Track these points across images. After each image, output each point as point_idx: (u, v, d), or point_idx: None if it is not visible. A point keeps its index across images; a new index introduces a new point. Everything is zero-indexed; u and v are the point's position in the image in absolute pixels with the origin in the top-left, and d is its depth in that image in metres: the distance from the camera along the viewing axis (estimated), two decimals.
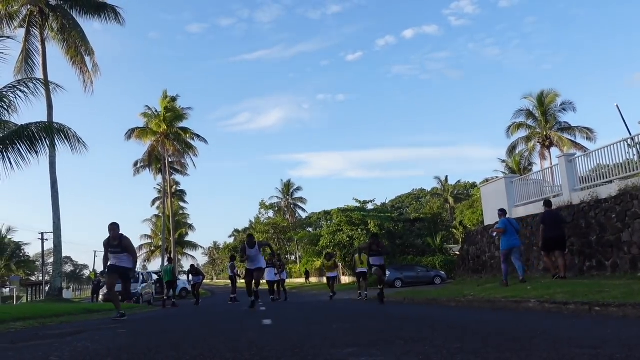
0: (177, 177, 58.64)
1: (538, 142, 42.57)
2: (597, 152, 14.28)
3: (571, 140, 41.10)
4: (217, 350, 4.56)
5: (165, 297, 20.92)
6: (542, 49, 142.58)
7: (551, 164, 34.15)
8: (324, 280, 52.31)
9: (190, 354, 4.32)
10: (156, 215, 66.55)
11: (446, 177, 72.88)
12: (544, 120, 41.91)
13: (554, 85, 72.48)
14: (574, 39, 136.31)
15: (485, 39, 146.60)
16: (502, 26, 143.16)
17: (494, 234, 15.47)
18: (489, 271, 17.89)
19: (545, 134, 41.74)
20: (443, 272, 35.05)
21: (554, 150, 40.85)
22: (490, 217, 19.65)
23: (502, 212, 14.32)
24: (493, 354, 3.60)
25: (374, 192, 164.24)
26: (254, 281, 12.83)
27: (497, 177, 31.40)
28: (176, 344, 5.29)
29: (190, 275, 23.52)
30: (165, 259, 22.05)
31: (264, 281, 18.13)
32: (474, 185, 67.42)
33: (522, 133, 43.55)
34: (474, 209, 45.37)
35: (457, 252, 31.57)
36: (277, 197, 79.33)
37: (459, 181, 76.46)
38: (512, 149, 44.76)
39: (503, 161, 47.43)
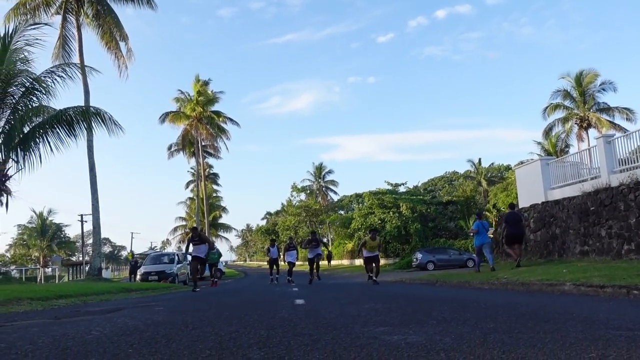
0: (210, 160, 59.40)
1: (575, 124, 41.46)
2: (637, 132, 13.85)
3: (610, 121, 39.90)
4: (252, 327, 4.65)
5: (214, 279, 22.23)
6: (579, 28, 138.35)
7: (589, 145, 33.21)
8: (357, 262, 52.50)
9: (225, 330, 4.43)
10: (190, 198, 67.65)
11: (479, 159, 71.61)
12: (582, 101, 40.75)
13: (591, 65, 70.09)
14: (612, 16, 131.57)
15: (520, 18, 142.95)
16: (538, 5, 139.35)
17: (471, 233, 18.92)
18: (524, 254, 17.63)
19: (583, 115, 40.61)
20: (475, 255, 34.68)
21: (592, 132, 39.76)
22: (526, 200, 19.33)
23: (477, 216, 18.43)
24: (527, 334, 3.58)
25: (405, 175, 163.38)
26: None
27: (532, 159, 30.75)
28: (211, 321, 5.42)
29: (191, 246, 18.57)
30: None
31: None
32: (508, 168, 66.19)
33: (559, 114, 42.48)
34: (508, 191, 44.62)
35: (491, 235, 31.21)
36: (308, 180, 79.53)
37: (492, 164, 75.11)
38: (548, 131, 43.72)
39: (539, 143, 46.40)
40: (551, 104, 42.29)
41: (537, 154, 43.56)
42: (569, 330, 3.71)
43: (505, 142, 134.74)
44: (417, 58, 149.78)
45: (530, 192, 19.07)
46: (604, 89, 40.65)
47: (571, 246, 15.18)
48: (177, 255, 29.69)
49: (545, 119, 43.16)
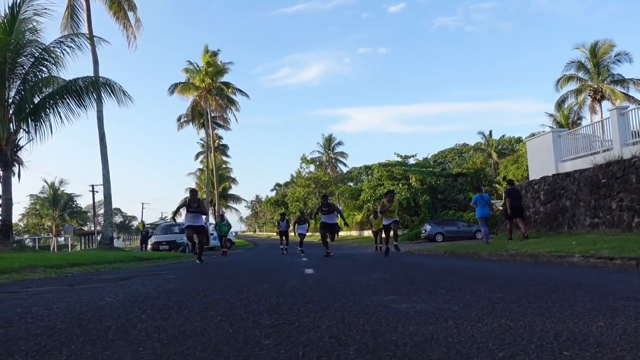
0: (220, 131, 59.37)
1: (589, 95, 40.90)
2: None
3: (624, 93, 39.32)
4: (262, 295, 4.71)
5: (224, 249, 23.23)
6: None
7: (602, 117, 32.82)
8: (365, 233, 52.71)
9: (236, 298, 4.49)
10: (200, 169, 67.91)
11: (490, 131, 71.05)
12: (596, 73, 40.11)
13: (607, 36, 68.67)
14: None
15: None
16: None
17: (473, 206, 18.24)
18: (532, 226, 17.61)
19: (596, 86, 40.02)
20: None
21: (605, 104, 39.23)
22: (536, 172, 19.21)
23: (477, 189, 19.18)
24: (535, 303, 3.60)
25: (415, 147, 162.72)
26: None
27: (543, 131, 30.45)
28: (222, 288, 5.49)
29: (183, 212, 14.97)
30: (218, 216, 23.52)
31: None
32: (519, 140, 65.67)
33: (572, 86, 41.92)
34: (518, 164, 44.38)
35: (500, 208, 31.10)
36: (318, 151, 79.40)
37: (503, 136, 74.51)
38: (560, 103, 43.20)
39: (551, 115, 45.91)
40: (564, 75, 41.68)
41: (549, 126, 43.14)
42: (577, 300, 3.72)
43: (517, 114, 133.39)
44: (428, 29, 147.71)
45: (541, 165, 18.94)
46: (619, 60, 39.97)
47: (581, 218, 15.14)
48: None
49: (558, 91, 42.66)
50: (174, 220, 15.50)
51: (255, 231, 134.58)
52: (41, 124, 19.60)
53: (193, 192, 14.05)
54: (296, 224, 22.41)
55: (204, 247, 14.31)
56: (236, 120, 54.57)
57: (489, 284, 5.11)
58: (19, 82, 19.86)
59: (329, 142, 78.80)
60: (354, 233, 57.50)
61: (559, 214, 16.51)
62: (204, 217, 14.46)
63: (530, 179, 19.76)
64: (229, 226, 25.14)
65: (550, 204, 17.21)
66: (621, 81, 39.98)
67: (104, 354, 2.34)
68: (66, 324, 3.30)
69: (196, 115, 50.73)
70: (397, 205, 15.05)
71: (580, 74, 41.16)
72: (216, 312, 3.60)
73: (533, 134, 31.89)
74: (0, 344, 2.67)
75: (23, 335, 2.89)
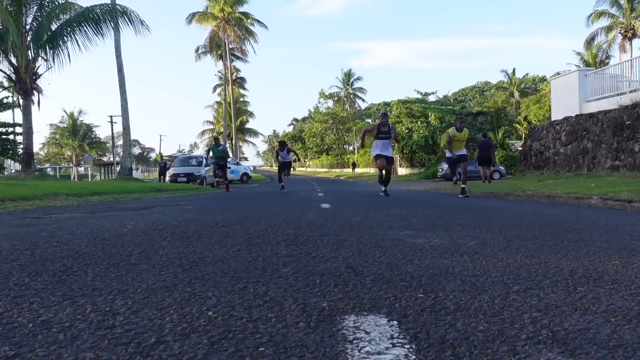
0: (238, 64, 58.72)
1: (620, 33, 39.36)
2: None
3: None
4: (279, 226, 4.79)
5: (216, 180, 21.39)
6: None
7: (631, 56, 31.67)
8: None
9: (254, 229, 4.57)
10: (217, 102, 67.74)
11: (514, 69, 69.48)
12: (630, 8, 38.41)
13: None
14: None
15: None
16: None
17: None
18: (551, 168, 17.48)
19: (628, 23, 38.40)
20: (502, 168, 34.44)
21: (637, 42, 37.87)
22: (560, 112, 18.84)
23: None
24: (551, 241, 3.61)
25: (436, 84, 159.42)
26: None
27: (569, 70, 29.57)
28: (240, 220, 5.59)
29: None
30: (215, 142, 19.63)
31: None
32: (543, 79, 63.95)
33: (604, 22, 40.28)
34: (541, 103, 43.44)
35: (519, 148, 30.74)
36: (336, 86, 78.52)
37: (527, 74, 72.63)
38: (590, 41, 41.73)
39: (578, 53, 44.50)
40: (596, 10, 40.03)
41: (576, 65, 41.89)
42: (594, 239, 3.72)
43: (543, 51, 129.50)
44: None
45: (565, 105, 18.53)
46: None
47: (602, 160, 14.95)
48: (205, 158, 30.26)
49: (589, 27, 41.05)
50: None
51: (272, 166, 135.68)
52: (59, 51, 19.53)
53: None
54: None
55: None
56: (254, 52, 54.02)
57: (505, 223, 5.13)
58: (35, 7, 19.64)
59: (348, 77, 77.68)
60: (371, 170, 57.58)
61: (580, 155, 16.30)
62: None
63: (552, 119, 19.39)
64: (226, 153, 20.06)
65: (571, 145, 16.96)
66: None
67: (128, 276, 2.42)
68: (90, 248, 3.40)
69: (214, 46, 50.08)
70: (465, 137, 12.59)
71: (613, 10, 39.48)
72: (235, 242, 3.68)
73: (558, 73, 30.97)
74: (28, 264, 2.78)
75: (49, 257, 2.99)
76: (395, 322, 1.64)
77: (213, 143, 19.46)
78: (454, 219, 5.58)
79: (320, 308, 1.81)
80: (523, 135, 37.54)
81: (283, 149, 19.08)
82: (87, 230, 4.53)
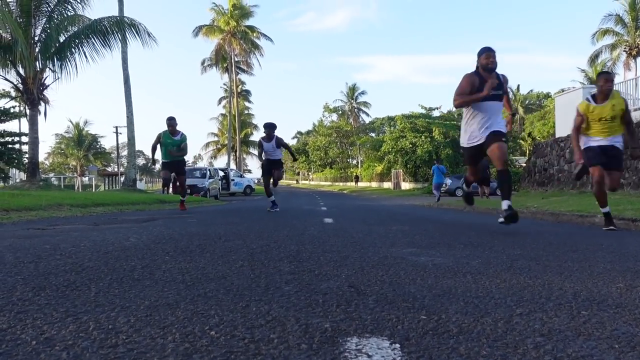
0: (243, 76, 59.04)
1: (624, 51, 39.46)
2: None
3: None
4: (282, 242, 4.79)
5: (165, 188, 14.36)
6: None
7: (636, 75, 31.74)
8: (384, 185, 52.72)
9: (256, 244, 4.57)
10: (222, 114, 68.01)
11: (517, 85, 69.38)
12: (634, 27, 38.56)
13: None
14: None
15: None
16: None
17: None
18: (555, 185, 17.45)
19: (633, 41, 38.52)
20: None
21: None
22: (564, 129, 18.84)
23: (435, 161, 24.26)
24: (554, 261, 3.60)
25: (440, 99, 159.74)
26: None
27: (574, 87, 29.62)
28: (243, 234, 5.59)
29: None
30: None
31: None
32: (547, 96, 64.04)
33: (608, 40, 40.41)
34: (545, 120, 43.53)
35: (523, 164, 30.73)
36: (341, 100, 78.85)
37: (531, 91, 72.73)
38: (594, 58, 41.82)
39: (582, 71, 44.65)
40: (600, 29, 40.15)
41: (580, 82, 42.05)
42: (597, 260, 3.71)
43: (547, 69, 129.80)
44: None
45: (569, 122, 18.44)
46: None
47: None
48: (209, 170, 30.36)
49: (593, 45, 41.17)
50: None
51: None
52: (67, 63, 19.71)
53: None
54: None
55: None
56: (259, 65, 54.36)
57: (508, 241, 5.11)
58: (44, 19, 19.85)
59: (352, 91, 78.02)
60: (374, 184, 57.59)
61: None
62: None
63: (557, 136, 19.40)
64: (184, 148, 11.83)
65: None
66: None
67: (131, 292, 2.42)
68: (93, 262, 3.41)
69: (220, 59, 50.45)
70: (622, 106, 6.76)
71: (618, 28, 39.62)
72: (237, 257, 3.68)
73: (562, 90, 31.05)
74: (32, 278, 2.78)
75: (52, 271, 3.00)
76: (397, 345, 1.64)
77: (167, 130, 11.55)
78: (457, 237, 5.57)
79: (323, 329, 1.81)
80: (527, 152, 37.55)
81: (270, 138, 11.97)
82: (91, 243, 4.54)
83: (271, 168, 12.10)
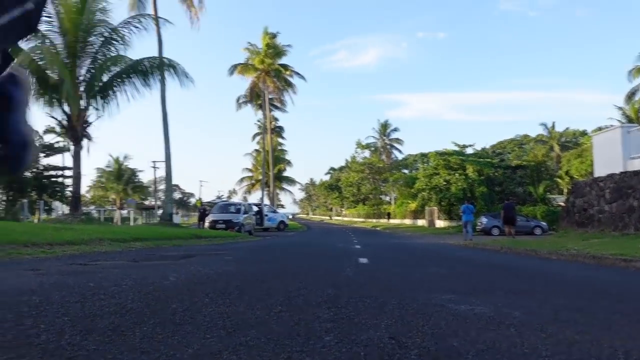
0: (276, 113, 59.98)
1: None
2: None
3: None
4: (318, 284, 4.78)
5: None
6: None
7: None
8: (418, 222, 52.21)
9: (293, 286, 4.58)
10: (256, 150, 68.96)
11: (553, 123, 68.61)
12: None
13: None
14: None
15: None
16: None
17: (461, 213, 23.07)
18: (595, 226, 16.96)
19: None
20: (544, 223, 33.53)
21: None
22: (603, 168, 18.43)
23: (466, 200, 25.32)
24: (600, 313, 3.49)
25: (473, 136, 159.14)
26: None
27: (611, 125, 29.07)
28: (279, 275, 5.61)
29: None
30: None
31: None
32: (584, 134, 62.94)
33: None
34: (582, 158, 42.67)
35: (561, 203, 30.05)
36: (373, 137, 79.02)
37: (567, 128, 71.59)
38: (631, 95, 41.04)
39: (619, 108, 43.74)
40: (637, 66, 39.48)
41: (617, 120, 41.18)
42: None
43: (583, 105, 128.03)
44: (491, 13, 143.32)
45: (607, 161, 18.15)
46: None
47: None
48: (243, 205, 30.63)
49: (630, 82, 40.46)
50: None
51: (308, 214, 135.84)
52: (109, 101, 20.43)
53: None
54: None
55: None
56: (292, 102, 55.12)
57: (550, 288, 4.98)
58: (89, 60, 20.72)
59: (384, 128, 78.24)
60: (407, 221, 57.02)
61: (625, 214, 15.79)
62: None
63: (595, 175, 18.97)
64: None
65: (616, 203, 16.48)
66: None
67: (174, 338, 2.46)
68: (136, 303, 3.47)
69: (254, 96, 51.47)
70: None
71: None
72: (275, 301, 3.69)
73: (600, 128, 30.53)
74: (78, 319, 2.85)
75: (98, 313, 3.07)
76: None
77: None
78: (496, 282, 5.46)
79: None
80: (565, 190, 36.77)
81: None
82: (132, 282, 4.62)
83: None
